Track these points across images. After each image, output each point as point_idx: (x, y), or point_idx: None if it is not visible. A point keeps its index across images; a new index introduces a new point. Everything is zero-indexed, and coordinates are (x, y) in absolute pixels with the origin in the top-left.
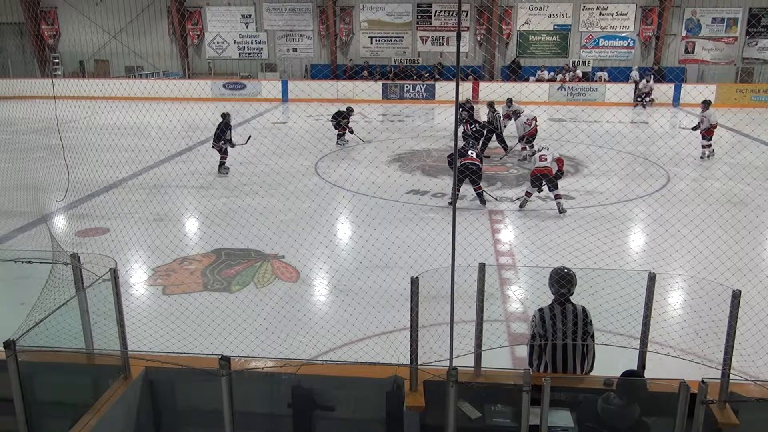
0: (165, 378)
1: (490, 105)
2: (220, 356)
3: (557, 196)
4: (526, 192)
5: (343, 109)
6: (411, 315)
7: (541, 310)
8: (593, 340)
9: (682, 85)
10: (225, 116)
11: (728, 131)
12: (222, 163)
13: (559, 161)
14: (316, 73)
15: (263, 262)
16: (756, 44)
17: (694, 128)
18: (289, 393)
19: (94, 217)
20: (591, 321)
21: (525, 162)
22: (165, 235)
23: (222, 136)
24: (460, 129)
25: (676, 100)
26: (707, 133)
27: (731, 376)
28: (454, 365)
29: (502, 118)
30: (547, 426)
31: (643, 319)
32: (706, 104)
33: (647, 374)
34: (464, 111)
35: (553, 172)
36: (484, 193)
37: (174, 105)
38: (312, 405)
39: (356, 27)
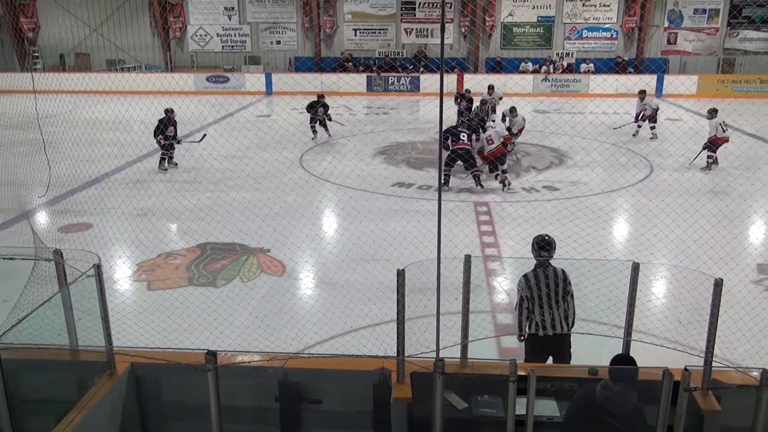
0: (151, 374)
1: (482, 100)
2: (206, 351)
3: (504, 171)
4: (499, 174)
5: (314, 98)
6: (397, 307)
7: (525, 275)
8: (572, 300)
9: (665, 76)
10: (168, 112)
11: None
12: (162, 159)
13: (506, 138)
14: (300, 65)
15: (249, 256)
16: (737, 35)
17: (643, 118)
18: (276, 387)
19: (77, 212)
20: (570, 281)
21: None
22: (149, 230)
23: (160, 131)
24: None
25: (658, 91)
26: (653, 116)
27: (713, 364)
28: (440, 356)
29: (488, 113)
30: (533, 415)
31: (627, 309)
32: (643, 93)
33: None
34: (464, 101)
35: (504, 150)
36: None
37: (157, 99)
38: (299, 398)
39: (340, 19)
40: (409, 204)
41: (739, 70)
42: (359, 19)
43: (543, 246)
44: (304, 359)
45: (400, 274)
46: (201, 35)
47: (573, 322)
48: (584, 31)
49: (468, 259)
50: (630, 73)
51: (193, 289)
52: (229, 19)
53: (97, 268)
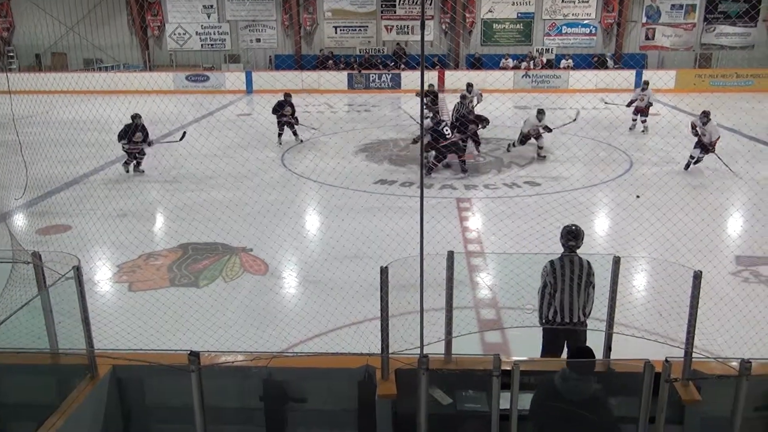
0: (133, 376)
1: (463, 96)
2: (189, 352)
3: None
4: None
5: (281, 98)
6: (381, 304)
7: (552, 261)
8: (593, 290)
9: (643, 72)
10: (134, 118)
11: (688, 116)
12: (127, 162)
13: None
14: (280, 63)
15: (231, 255)
16: (713, 30)
17: (636, 111)
18: (261, 386)
19: (55, 214)
20: (594, 272)
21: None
22: (129, 231)
23: (125, 136)
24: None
25: (637, 86)
26: (644, 110)
27: (694, 355)
28: (424, 353)
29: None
30: (518, 409)
31: (608, 302)
32: (646, 84)
33: (613, 355)
34: (429, 96)
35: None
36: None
37: (135, 98)
38: (284, 397)
39: (320, 16)
40: (392, 201)
41: (715, 64)
42: (339, 17)
43: (569, 236)
44: (288, 358)
45: (384, 272)
46: (180, 34)
47: (590, 310)
48: (563, 27)
49: (451, 255)
50: (609, 68)
51: (175, 290)
52: (208, 17)
53: (77, 270)
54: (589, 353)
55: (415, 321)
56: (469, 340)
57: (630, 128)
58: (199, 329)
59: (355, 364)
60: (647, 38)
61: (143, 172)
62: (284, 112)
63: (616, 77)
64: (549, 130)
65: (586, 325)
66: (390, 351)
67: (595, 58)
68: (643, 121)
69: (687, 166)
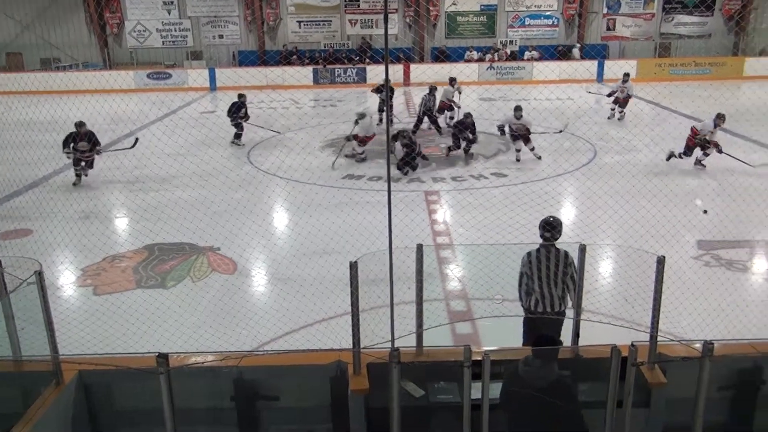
0: (100, 381)
1: (431, 88)
2: (157, 354)
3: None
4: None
5: (236, 99)
6: (351, 299)
7: (529, 252)
8: (572, 280)
9: (605, 62)
10: (78, 126)
11: (648, 104)
12: (77, 174)
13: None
14: (243, 59)
15: (198, 255)
16: (672, 20)
17: (616, 101)
18: (232, 386)
19: (15, 218)
20: (572, 263)
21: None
22: (92, 234)
23: (68, 144)
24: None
25: (599, 76)
26: (624, 102)
27: (659, 338)
28: (396, 346)
29: (435, 103)
30: (489, 399)
31: (575, 289)
32: (626, 76)
33: (581, 342)
34: (382, 93)
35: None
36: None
37: (95, 97)
38: (255, 396)
39: (283, 11)
40: (359, 195)
41: (675, 53)
42: (303, 11)
43: (547, 227)
44: (258, 357)
45: (353, 267)
46: (140, 31)
47: (573, 303)
48: (526, 18)
49: (420, 248)
50: (576, 59)
51: (141, 292)
52: (169, 14)
53: (39, 274)
54: (552, 341)
55: (385, 315)
56: (440, 332)
57: (608, 117)
58: (167, 331)
59: (327, 360)
60: (608, 29)
61: (76, 184)
62: (240, 114)
63: (578, 68)
64: (529, 131)
65: (564, 314)
66: (361, 346)
67: (560, 48)
68: (621, 112)
69: (669, 157)
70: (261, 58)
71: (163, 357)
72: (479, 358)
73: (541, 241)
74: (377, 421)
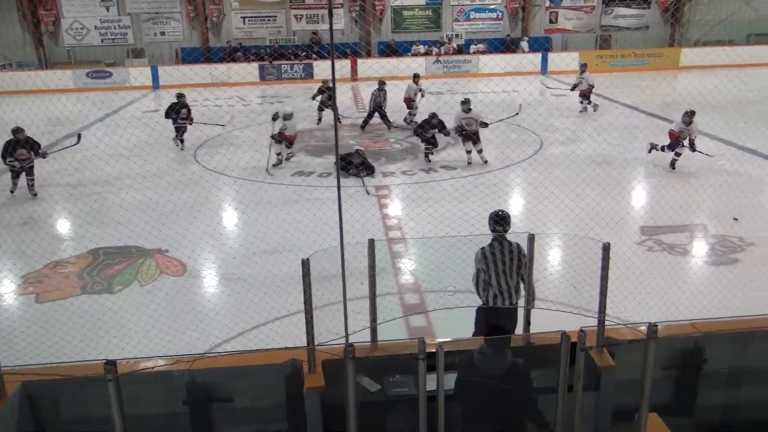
0: (45, 391)
1: (381, 83)
2: (105, 361)
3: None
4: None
5: (175, 100)
6: (304, 297)
7: (482, 248)
8: (527, 271)
9: (548, 54)
10: (14, 132)
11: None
12: (14, 184)
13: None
14: (187, 56)
15: (145, 258)
16: (612, 13)
17: (572, 89)
18: (184, 390)
19: None
20: (525, 254)
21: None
22: (32, 240)
23: (7, 154)
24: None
25: (543, 69)
26: (587, 93)
27: (606, 323)
28: (350, 342)
29: (384, 98)
30: (443, 390)
31: (526, 278)
32: (584, 67)
33: (532, 329)
34: (324, 94)
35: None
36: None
37: (31, 98)
38: (209, 399)
39: (227, 7)
40: (309, 192)
41: (615, 45)
42: (247, 7)
43: (497, 221)
44: (211, 359)
45: (305, 264)
46: (77, 29)
47: (533, 295)
48: (471, 12)
49: (372, 243)
50: (524, 52)
51: (86, 298)
52: (107, 11)
53: None
54: (503, 330)
55: (339, 311)
56: (394, 325)
57: (580, 111)
58: (115, 337)
59: (281, 359)
60: (551, 21)
61: (36, 195)
62: (181, 116)
63: (522, 60)
64: (485, 125)
65: (517, 305)
66: (316, 343)
67: (507, 39)
68: (588, 102)
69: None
70: (205, 55)
71: (111, 364)
72: (434, 350)
73: (490, 233)
74: (334, 418)
